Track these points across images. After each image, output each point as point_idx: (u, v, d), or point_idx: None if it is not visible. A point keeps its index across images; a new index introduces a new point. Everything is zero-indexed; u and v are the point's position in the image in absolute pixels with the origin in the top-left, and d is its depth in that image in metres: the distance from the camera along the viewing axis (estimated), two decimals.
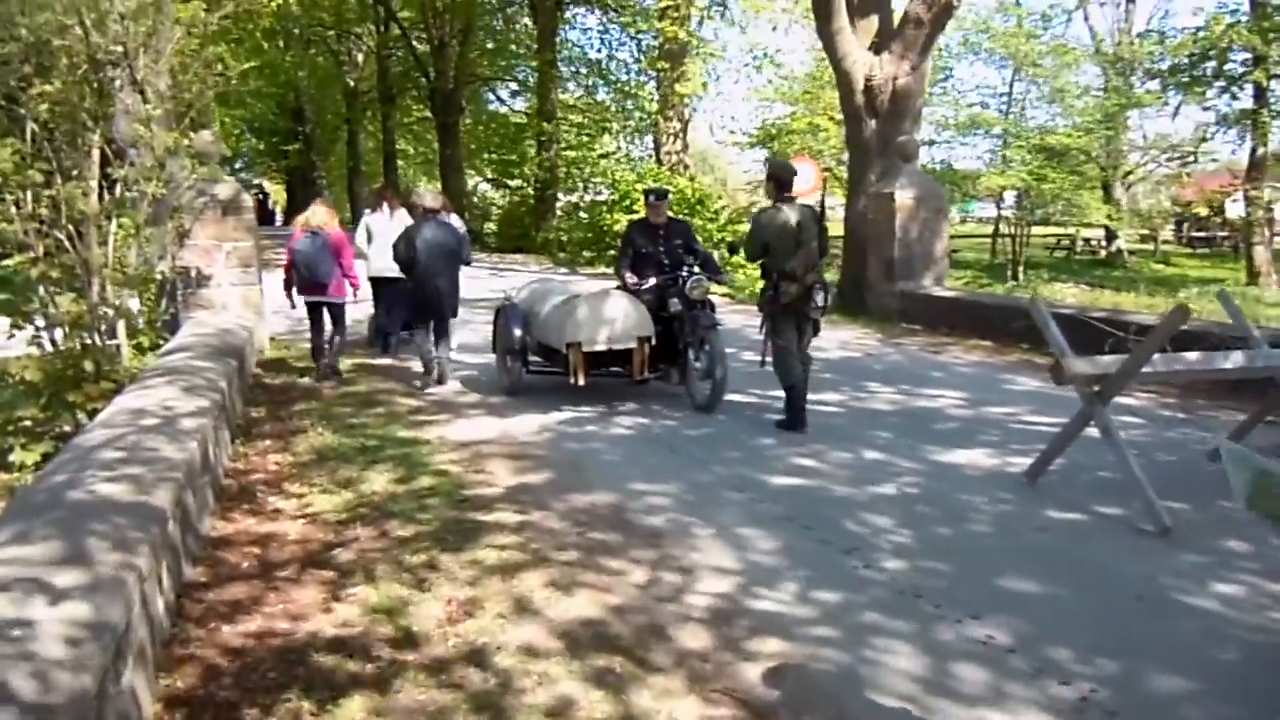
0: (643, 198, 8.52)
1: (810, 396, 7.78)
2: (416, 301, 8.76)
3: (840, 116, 16.37)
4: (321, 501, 5.66)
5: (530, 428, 7.31)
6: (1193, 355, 5.32)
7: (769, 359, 7.26)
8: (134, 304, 8.29)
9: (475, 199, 35.95)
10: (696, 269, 7.96)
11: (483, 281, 16.49)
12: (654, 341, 7.73)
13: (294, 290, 9.13)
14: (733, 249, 8.19)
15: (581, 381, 7.63)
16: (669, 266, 8.01)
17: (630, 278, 8.00)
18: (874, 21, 13.78)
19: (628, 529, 5.07)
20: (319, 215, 9.05)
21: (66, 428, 6.80)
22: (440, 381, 8.81)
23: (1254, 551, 4.59)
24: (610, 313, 7.65)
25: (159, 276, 8.71)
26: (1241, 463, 2.93)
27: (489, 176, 35.21)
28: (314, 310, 9.15)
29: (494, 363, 8.87)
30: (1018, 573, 4.35)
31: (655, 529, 5.06)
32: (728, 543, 4.81)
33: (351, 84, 39.05)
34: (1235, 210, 33.24)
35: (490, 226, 30.96)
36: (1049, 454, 5.55)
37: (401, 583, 4.42)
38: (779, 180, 7.18)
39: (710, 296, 7.85)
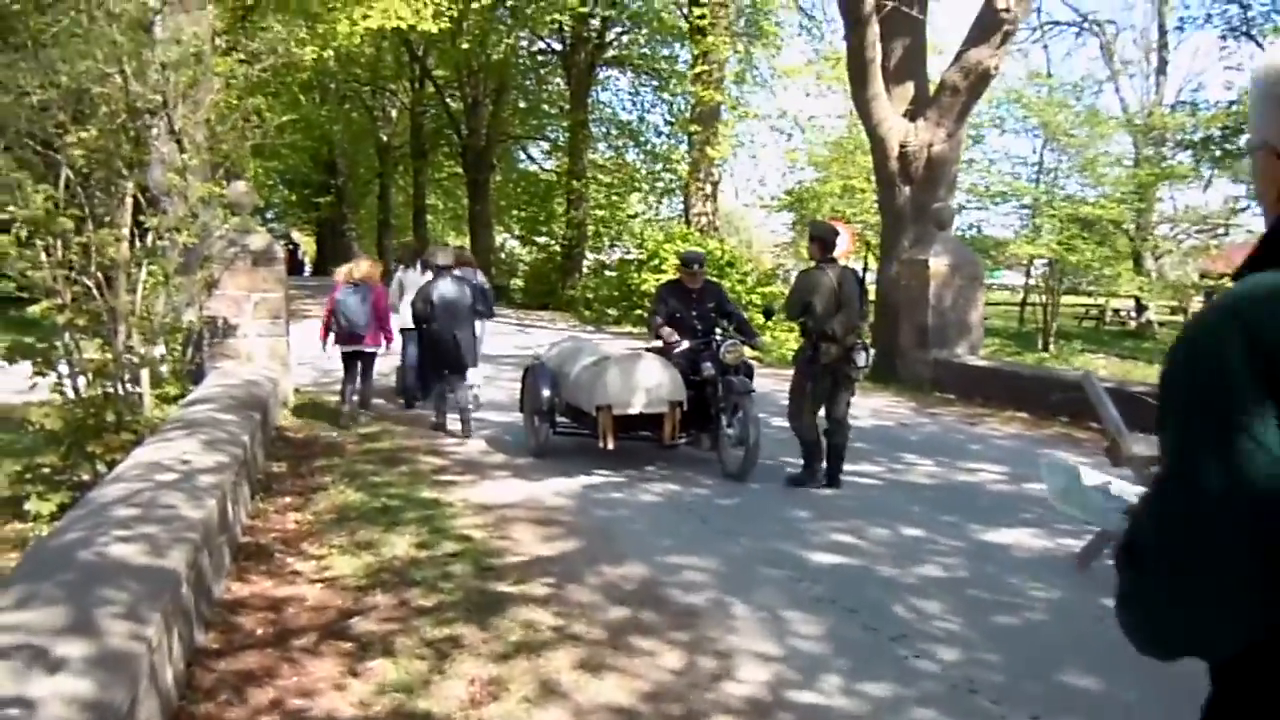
0: (678, 261, 8.34)
1: (846, 467, 7.62)
2: (434, 355, 9.14)
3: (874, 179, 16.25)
4: (341, 564, 5.46)
5: (557, 492, 7.10)
6: None
7: (797, 423, 7.27)
8: (159, 352, 8.18)
9: (503, 255, 36.10)
10: (731, 332, 7.78)
11: (508, 338, 16.41)
12: (686, 406, 7.53)
13: (330, 338, 9.56)
14: (768, 314, 8.01)
15: (611, 445, 7.42)
16: (700, 331, 7.84)
17: (668, 333, 7.81)
18: (909, 88, 13.72)
19: (661, 605, 4.84)
20: (362, 268, 9.55)
21: (85, 477, 6.65)
22: (466, 435, 9.01)
23: None
24: (642, 376, 7.46)
25: (186, 326, 8.60)
26: (1056, 468, 4.22)
27: (517, 233, 35.38)
28: (350, 359, 9.53)
29: (520, 422, 8.68)
30: (1077, 667, 4.08)
31: (690, 607, 4.82)
32: (767, 625, 4.56)
33: (384, 139, 39.44)
34: None
35: (517, 283, 31.00)
36: (1102, 539, 5.28)
37: (422, 657, 4.20)
38: (823, 242, 7.25)
39: (747, 360, 7.67)
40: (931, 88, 13.70)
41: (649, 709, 3.74)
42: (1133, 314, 31.69)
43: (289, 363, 10.56)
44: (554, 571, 5.33)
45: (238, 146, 8.81)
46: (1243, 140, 21.53)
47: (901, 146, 13.24)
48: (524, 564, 5.48)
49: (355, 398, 9.61)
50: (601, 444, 7.44)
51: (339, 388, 9.79)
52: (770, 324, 8.41)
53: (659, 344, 7.98)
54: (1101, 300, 31.25)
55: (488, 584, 5.11)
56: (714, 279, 9.12)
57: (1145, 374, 17.62)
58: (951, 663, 4.14)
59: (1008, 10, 12.25)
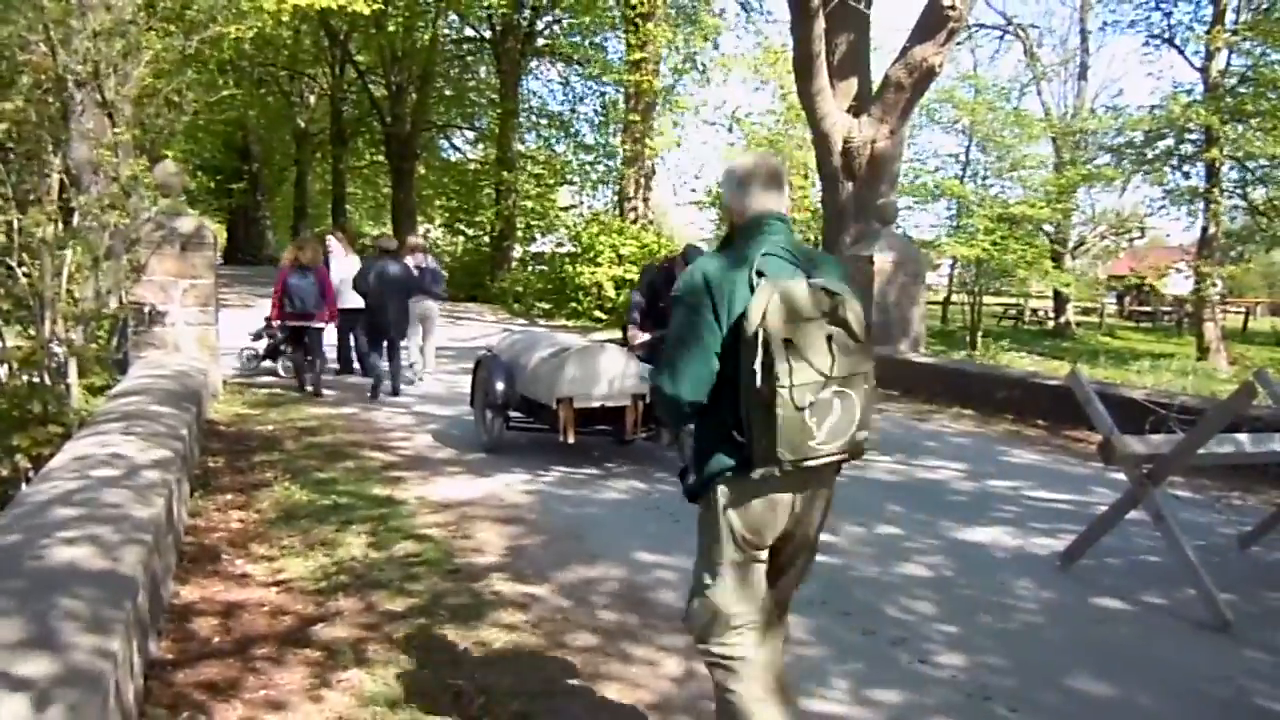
0: (681, 254, 7.92)
1: None
2: (372, 326, 10.43)
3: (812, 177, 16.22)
4: (294, 566, 5.14)
5: (517, 488, 6.83)
6: (1242, 436, 5.04)
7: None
8: (84, 340, 7.69)
9: (427, 245, 35.41)
10: None
11: (440, 329, 15.99)
12: (649, 399, 7.31)
13: (278, 317, 10.71)
14: None
15: (571, 439, 7.17)
16: None
17: (637, 334, 7.57)
18: (853, 84, 13.64)
19: (645, 608, 4.62)
20: (307, 254, 10.59)
21: (3, 472, 6.20)
22: (395, 392, 10.40)
23: None
24: (604, 368, 7.22)
25: (113, 312, 8.10)
26: None
27: (440, 224, 34.71)
28: (297, 332, 10.66)
29: (463, 416, 8.38)
30: (1086, 671, 3.97)
31: (676, 609, 4.60)
32: None
33: (302, 125, 38.40)
34: (1174, 287, 34.00)
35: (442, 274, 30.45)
36: (1088, 537, 5.21)
37: (399, 665, 3.92)
38: None
39: None
40: (875, 84, 13.66)
41: None
42: (1049, 313, 32.38)
43: (218, 352, 10.09)
44: (527, 573, 5.07)
45: (170, 124, 8.31)
46: (1163, 145, 22.12)
47: (845, 142, 13.17)
48: (493, 564, 5.21)
49: (310, 377, 10.63)
50: (562, 438, 7.18)
51: (267, 373, 11.29)
52: None
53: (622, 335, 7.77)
54: (1019, 300, 31.94)
55: (459, 585, 4.85)
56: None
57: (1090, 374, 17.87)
58: (959, 668, 3.99)
59: (953, 8, 12.24)
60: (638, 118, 22.13)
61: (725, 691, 2.81)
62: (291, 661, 3.96)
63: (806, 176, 23.12)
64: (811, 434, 2.61)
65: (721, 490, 2.76)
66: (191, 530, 5.68)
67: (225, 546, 5.45)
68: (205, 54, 15.26)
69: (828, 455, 2.67)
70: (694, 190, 30.51)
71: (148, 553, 3.88)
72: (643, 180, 22.87)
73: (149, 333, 9.30)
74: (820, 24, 12.53)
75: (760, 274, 2.68)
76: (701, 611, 2.84)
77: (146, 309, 9.21)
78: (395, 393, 10.36)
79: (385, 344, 10.46)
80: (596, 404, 7.22)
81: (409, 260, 11.09)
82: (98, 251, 7.47)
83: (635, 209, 22.66)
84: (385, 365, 10.42)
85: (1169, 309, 36.18)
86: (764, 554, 2.84)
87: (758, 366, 2.56)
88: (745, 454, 2.67)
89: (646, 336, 7.53)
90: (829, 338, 2.63)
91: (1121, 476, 5.26)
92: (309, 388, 10.58)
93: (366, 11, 18.51)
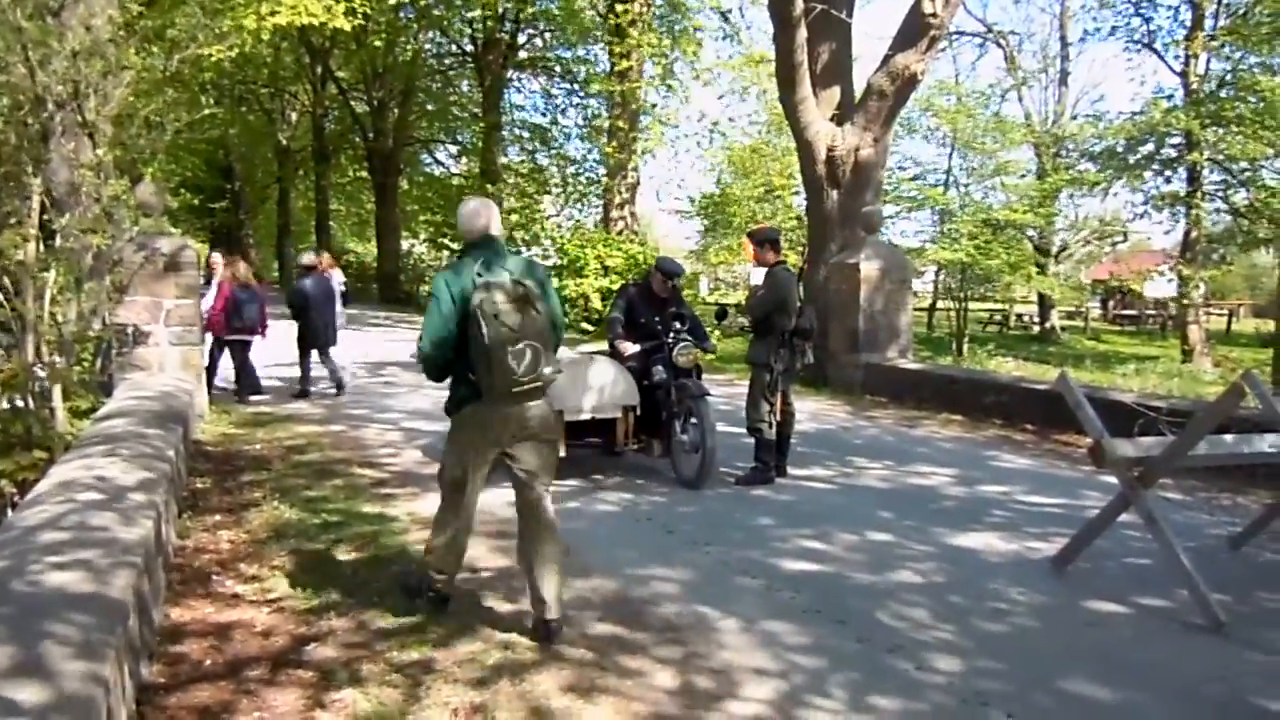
0: (657, 269, 7.88)
1: (798, 471, 7.62)
2: (308, 337, 11.75)
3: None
4: (285, 586, 5.09)
5: (508, 503, 6.75)
6: (1229, 438, 5.05)
7: (762, 423, 7.29)
8: (68, 363, 7.62)
9: (411, 260, 35.34)
10: (684, 335, 7.55)
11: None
12: (639, 411, 7.29)
13: (223, 331, 11.25)
14: (720, 315, 7.80)
15: (562, 453, 7.11)
16: (664, 335, 7.57)
17: (627, 346, 7.53)
18: (836, 93, 13.71)
19: (640, 621, 4.59)
20: (242, 271, 11.60)
21: None
22: (339, 390, 11.82)
23: None
24: (594, 379, 7.19)
25: (96, 334, 8.04)
26: None
27: (424, 239, 34.64)
28: (238, 345, 11.40)
29: None
30: (1082, 675, 3.96)
31: (671, 621, 4.58)
32: (756, 639, 4.36)
33: (284, 142, 38.33)
34: (1154, 290, 34.19)
35: (425, 289, 30.29)
36: (1081, 540, 5.22)
37: (393, 685, 3.89)
38: (775, 244, 7.35)
39: (698, 364, 7.48)
40: (857, 93, 13.72)
41: None
42: (1035, 319, 32.52)
43: (203, 373, 10.03)
44: (519, 587, 5.03)
45: (152, 144, 8.25)
46: (1144, 150, 22.24)
47: (829, 151, 13.22)
48: (486, 580, 5.19)
49: (248, 382, 11.55)
50: None
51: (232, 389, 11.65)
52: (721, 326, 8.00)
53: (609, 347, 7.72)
54: (1004, 305, 32.08)
55: (451, 602, 4.81)
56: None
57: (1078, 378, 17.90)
58: (955, 674, 3.98)
59: (934, 15, 12.31)
60: (624, 126, 22.12)
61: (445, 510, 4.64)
62: (284, 682, 3.92)
63: (787, 184, 23.20)
64: (515, 371, 4.09)
65: (468, 410, 4.34)
66: (180, 552, 5.62)
67: (215, 567, 5.40)
68: (186, 73, 15.23)
69: (528, 384, 4.15)
70: (677, 199, 30.39)
71: (137, 576, 3.84)
72: (627, 191, 22.85)
73: (133, 354, 9.23)
74: (802, 33, 12.60)
75: (479, 274, 4.20)
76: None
77: (130, 330, 9.14)
78: (340, 389, 11.81)
79: (316, 351, 11.84)
80: (587, 416, 7.18)
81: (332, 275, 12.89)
82: (79, 273, 7.40)
83: (621, 220, 22.65)
84: (313, 373, 11.90)
85: (1153, 312, 36.39)
86: (494, 451, 4.36)
87: (477, 329, 4.06)
88: (478, 387, 4.22)
89: (637, 348, 7.50)
90: (521, 312, 4.10)
91: (1112, 480, 5.28)
92: (246, 395, 11.44)
93: (347, 28, 18.49)
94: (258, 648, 4.29)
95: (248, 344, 11.47)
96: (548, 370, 4.18)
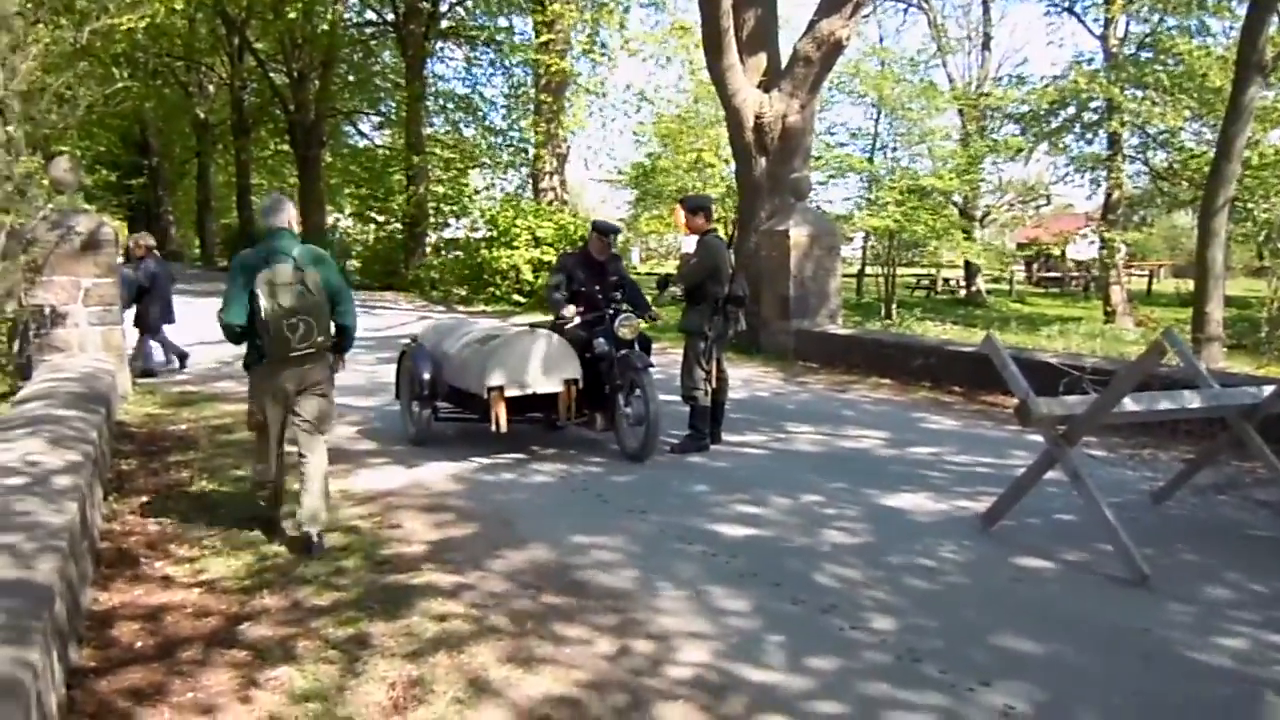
0: (592, 229, 7.88)
1: (732, 437, 7.67)
2: (160, 314, 11.72)
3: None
4: (217, 566, 5.01)
5: (443, 477, 6.74)
6: (1153, 394, 5.18)
7: (697, 391, 7.34)
8: None
9: (338, 234, 34.70)
10: (625, 306, 7.51)
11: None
12: (581, 384, 7.23)
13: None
14: (663, 285, 7.73)
15: (504, 428, 7.05)
16: (605, 304, 7.51)
17: (571, 311, 7.44)
18: (762, 59, 13.73)
19: (578, 589, 4.60)
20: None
21: None
22: (182, 366, 11.82)
23: (1236, 599, 4.43)
24: (534, 353, 7.10)
25: (12, 316, 7.76)
26: None
27: (350, 212, 34.04)
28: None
29: (385, 407, 8.22)
30: (1010, 629, 4.06)
31: (610, 589, 4.59)
32: (694, 603, 4.39)
33: (202, 116, 37.27)
34: (1077, 253, 34.95)
35: (354, 264, 29.79)
36: (1008, 498, 5.33)
37: (329, 661, 3.85)
38: (707, 212, 7.36)
39: (644, 334, 7.46)
40: (784, 59, 13.74)
41: (594, 699, 3.50)
42: (961, 283, 33.04)
43: (124, 353, 9.77)
44: (455, 560, 5.02)
45: (64, 119, 7.95)
46: (1066, 114, 22.62)
47: (757, 118, 13.24)
48: (421, 554, 5.15)
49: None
50: (494, 428, 7.05)
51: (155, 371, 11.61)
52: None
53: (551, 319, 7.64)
54: (931, 270, 32.55)
55: (386, 577, 4.78)
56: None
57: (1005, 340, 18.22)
58: (888, 632, 4.05)
59: None
60: (549, 98, 21.91)
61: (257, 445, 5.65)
62: (218, 662, 3.86)
63: (717, 154, 23.20)
64: (290, 340, 5.02)
65: (255, 371, 5.34)
66: (108, 535, 5.50)
67: (144, 549, 5.29)
68: (97, 46, 14.70)
69: (304, 350, 5.08)
70: (604, 168, 30.22)
71: (63, 559, 3.75)
72: (556, 161, 22.67)
73: (51, 335, 8.94)
74: (727, 0, 12.56)
75: (266, 259, 5.05)
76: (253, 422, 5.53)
77: (48, 311, 8.86)
78: (183, 365, 11.84)
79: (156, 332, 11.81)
80: (529, 391, 7.12)
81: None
82: None
83: (551, 190, 22.48)
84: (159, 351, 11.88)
85: (1076, 274, 37.18)
86: (282, 399, 5.28)
87: (260, 305, 4.94)
88: (262, 351, 5.15)
89: (578, 309, 7.43)
90: (298, 293, 5.00)
91: (1038, 438, 5.40)
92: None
93: None
94: (190, 629, 4.22)
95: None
96: (320, 339, 5.13)
